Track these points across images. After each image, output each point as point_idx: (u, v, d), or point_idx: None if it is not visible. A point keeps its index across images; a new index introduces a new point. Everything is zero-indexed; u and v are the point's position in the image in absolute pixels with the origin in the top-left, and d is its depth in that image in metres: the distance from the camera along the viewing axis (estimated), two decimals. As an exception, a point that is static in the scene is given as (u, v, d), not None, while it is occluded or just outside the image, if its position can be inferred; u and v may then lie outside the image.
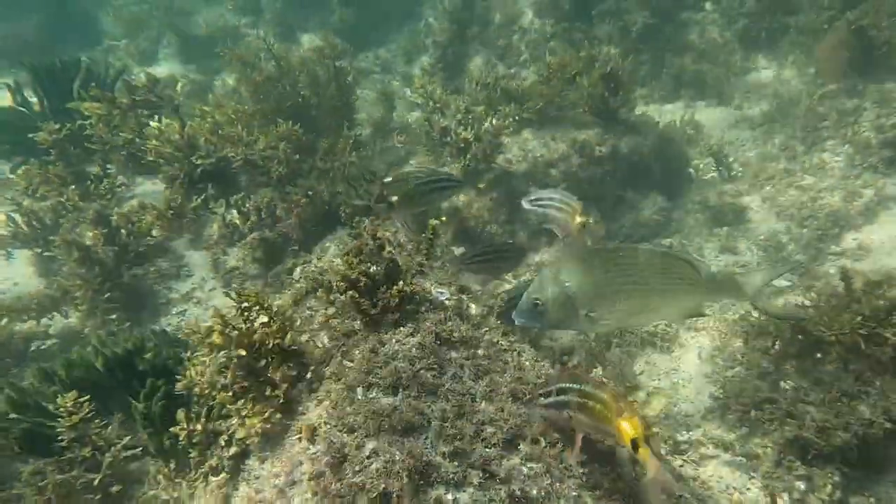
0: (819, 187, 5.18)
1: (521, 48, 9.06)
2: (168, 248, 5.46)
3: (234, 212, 5.37)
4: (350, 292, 3.29)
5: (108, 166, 6.34)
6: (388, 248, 3.51)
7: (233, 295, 3.49)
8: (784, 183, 5.55)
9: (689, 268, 2.64)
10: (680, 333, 4.41)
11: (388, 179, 4.15)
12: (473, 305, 3.67)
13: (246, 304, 3.47)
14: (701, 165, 6.72)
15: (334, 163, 6.71)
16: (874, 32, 5.08)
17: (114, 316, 4.85)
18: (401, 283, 3.25)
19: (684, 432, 3.52)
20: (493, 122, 7.17)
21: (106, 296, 4.89)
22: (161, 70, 11.05)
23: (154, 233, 5.45)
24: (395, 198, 4.03)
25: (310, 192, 5.79)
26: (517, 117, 6.99)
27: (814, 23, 6.97)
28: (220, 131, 6.24)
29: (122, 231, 5.24)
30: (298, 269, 4.38)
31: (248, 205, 5.57)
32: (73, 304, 4.87)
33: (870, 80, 5.27)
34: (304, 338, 3.63)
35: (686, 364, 4.17)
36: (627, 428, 2.01)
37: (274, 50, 7.86)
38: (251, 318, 3.44)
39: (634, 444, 2.00)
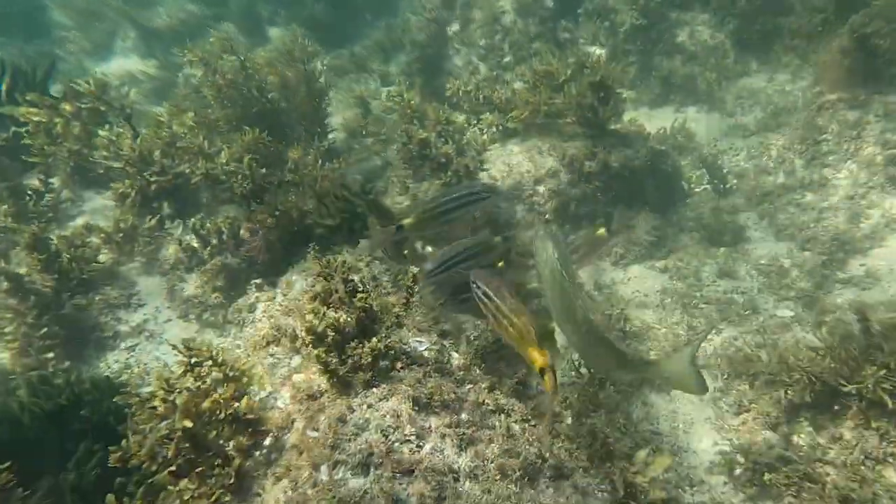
0: (821, 206, 4.96)
1: (504, 49, 8.70)
2: (117, 274, 4.98)
3: (193, 231, 4.91)
4: (317, 350, 2.91)
5: (51, 180, 5.80)
6: (360, 295, 3.14)
7: (180, 348, 3.09)
8: (783, 200, 5.32)
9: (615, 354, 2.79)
10: (679, 371, 4.13)
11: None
12: (456, 354, 3.33)
13: (196, 359, 3.07)
14: (693, 177, 6.47)
15: (304, 177, 6.30)
16: (879, 41, 4.86)
17: (51, 354, 4.38)
18: (374, 340, 2.88)
19: (689, 490, 3.23)
20: (476, 130, 6.84)
21: (42, 331, 4.41)
22: (117, 65, 10.42)
23: (101, 258, 4.97)
24: (407, 220, 3.62)
25: (277, 211, 5.35)
26: (500, 126, 6.66)
27: (806, 25, 6.76)
28: (177, 143, 5.76)
29: (64, 256, 4.74)
30: (261, 307, 3.97)
31: (208, 225, 5.11)
32: (3, 340, 4.38)
33: (873, 91, 5.06)
34: (264, 393, 3.25)
35: (686, 406, 3.89)
36: (538, 357, 2.54)
37: (239, 51, 7.34)
38: (202, 374, 3.04)
39: (542, 371, 2.52)
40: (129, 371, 4.43)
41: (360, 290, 3.24)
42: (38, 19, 11.41)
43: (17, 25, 10.87)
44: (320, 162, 6.48)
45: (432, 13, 9.39)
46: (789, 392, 3.16)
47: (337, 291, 3.18)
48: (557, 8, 8.86)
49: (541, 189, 5.59)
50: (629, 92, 8.26)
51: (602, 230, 4.36)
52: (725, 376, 3.87)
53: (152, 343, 4.62)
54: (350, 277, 3.25)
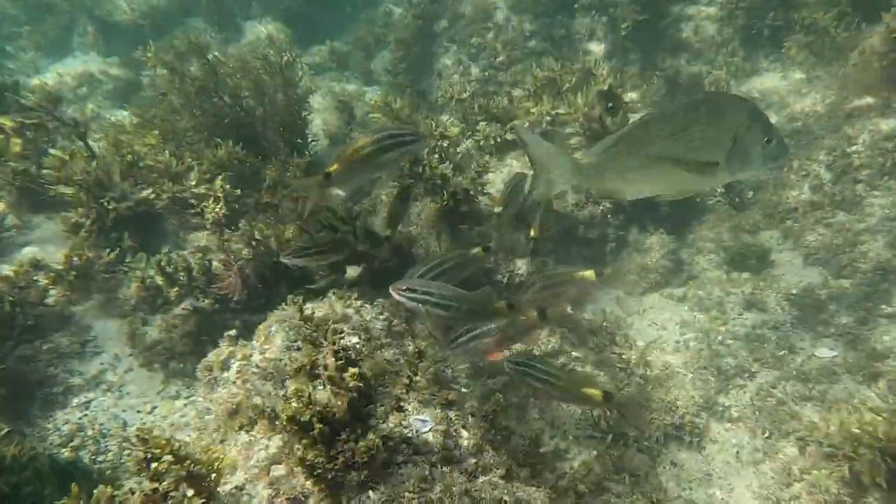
0: (857, 229, 4.56)
1: (497, 48, 8.17)
2: (69, 317, 4.40)
3: (158, 269, 4.34)
4: (300, 445, 2.41)
5: (-7, 201, 5.17)
6: (352, 371, 2.64)
7: (134, 441, 2.57)
8: (810, 218, 4.91)
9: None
10: (711, 425, 3.71)
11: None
12: (465, 432, 2.85)
13: (154, 453, 2.56)
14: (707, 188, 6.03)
15: (284, 198, 5.74)
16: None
17: (-8, 419, 3.80)
18: (371, 436, 2.38)
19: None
20: (472, 143, 6.32)
21: (-20, 391, 3.84)
22: (75, 64, 9.63)
23: (50, 299, 4.38)
24: (333, 166, 3.31)
25: (254, 241, 4.79)
26: (499, 138, 6.17)
27: (821, 19, 6.34)
28: (140, 164, 5.16)
29: (6, 300, 4.14)
30: (235, 367, 3.44)
31: (175, 259, 4.54)
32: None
33: (909, 99, 4.67)
34: (236, 482, 2.74)
35: (722, 467, 3.47)
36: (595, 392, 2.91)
37: (209, 51, 6.66)
38: (160, 472, 2.53)
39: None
40: (81, 434, 3.88)
41: (353, 358, 2.75)
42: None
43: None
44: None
45: (418, 8, 8.82)
46: (855, 467, 2.75)
47: (326, 367, 2.67)
48: (553, 2, 8.35)
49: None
50: (632, 93, 7.81)
51: (590, 273, 3.73)
52: (766, 434, 3.46)
53: (110, 397, 4.07)
54: (340, 346, 2.74)
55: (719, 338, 4.45)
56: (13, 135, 4.96)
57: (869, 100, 4.88)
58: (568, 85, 5.87)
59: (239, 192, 5.60)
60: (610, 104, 5.51)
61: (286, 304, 4.33)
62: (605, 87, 5.43)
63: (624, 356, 4.14)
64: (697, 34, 7.21)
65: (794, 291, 4.47)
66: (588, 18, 8.12)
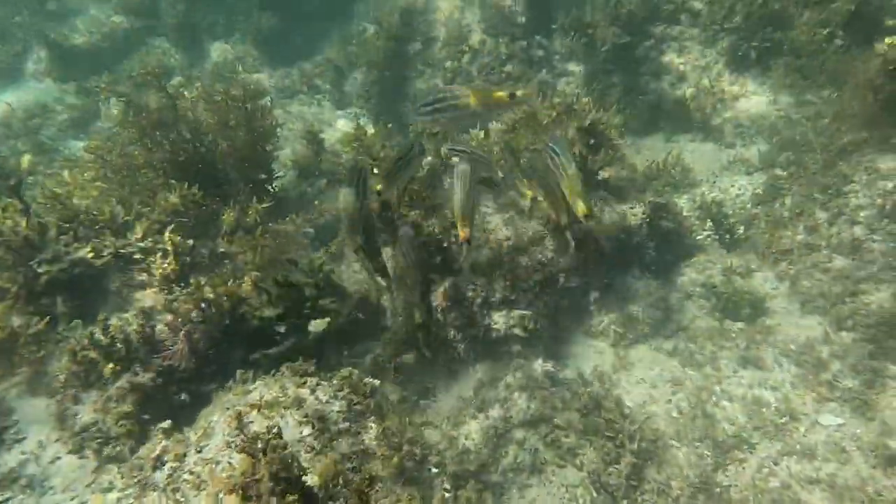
0: (857, 277, 4.28)
1: (472, 72, 7.85)
2: (-9, 397, 3.97)
3: (90, 341, 3.93)
4: None
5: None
6: (291, 499, 2.27)
7: None
8: (806, 262, 4.63)
9: None
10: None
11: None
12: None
13: None
14: (693, 218, 5.75)
15: (242, 246, 5.35)
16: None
17: None
18: None
19: None
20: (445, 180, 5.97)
21: None
22: (28, 93, 9.16)
23: (-30, 379, 3.95)
24: (378, 186, 3.95)
25: (204, 304, 4.40)
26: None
27: (810, 42, 6.12)
28: (80, 216, 4.75)
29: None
30: (167, 469, 3.04)
31: (113, 325, 4.13)
32: None
33: (907, 134, 4.42)
34: None
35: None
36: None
37: (168, 86, 6.26)
38: None
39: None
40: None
41: (299, 468, 2.38)
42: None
43: None
44: (260, 228, 5.55)
45: (390, 31, 8.48)
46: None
47: (260, 496, 2.29)
48: (530, 24, 8.08)
49: (524, 262, 4.78)
50: (615, 118, 7.55)
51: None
52: (770, 525, 3.14)
53: (30, 497, 3.63)
54: (282, 462, 2.37)
55: (714, 398, 4.13)
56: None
57: (864, 135, 4.62)
58: (548, 119, 5.56)
59: (192, 242, 5.22)
60: (592, 141, 5.20)
61: (235, 383, 3.96)
62: (587, 124, 5.12)
63: (615, 424, 3.80)
64: (681, 56, 6.96)
65: (792, 346, 4.17)
66: (567, 39, 7.86)
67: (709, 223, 5.44)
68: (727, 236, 5.23)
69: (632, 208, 5.11)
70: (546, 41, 8.24)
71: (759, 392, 4.05)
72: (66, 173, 5.01)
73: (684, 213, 5.90)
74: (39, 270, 4.29)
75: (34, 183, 7.06)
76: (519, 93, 3.65)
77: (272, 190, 6.62)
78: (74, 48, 9.67)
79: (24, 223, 4.32)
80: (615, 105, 5.04)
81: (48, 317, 4.22)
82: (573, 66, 8.15)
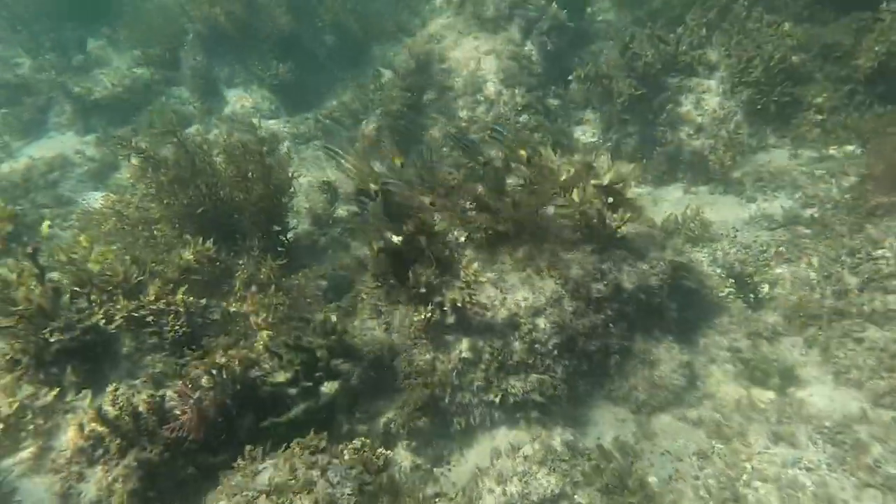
0: (893, 350, 4.12)
1: (487, 121, 7.91)
2: (-5, 472, 3.92)
3: (98, 416, 3.88)
4: None
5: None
6: None
7: None
8: (836, 330, 4.47)
9: None
10: None
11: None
12: None
13: None
14: (714, 274, 5.62)
15: (254, 306, 5.33)
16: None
17: None
18: None
19: None
20: (458, 234, 5.96)
21: None
22: (50, 145, 9.42)
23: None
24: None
25: (214, 370, 4.36)
26: (490, 231, 5.80)
27: (832, 97, 6.07)
28: (94, 280, 4.77)
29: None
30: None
31: (121, 397, 4.09)
32: None
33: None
34: None
35: None
36: None
37: (188, 143, 6.39)
38: None
39: None
40: None
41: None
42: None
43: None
44: (274, 285, 5.55)
45: (406, 80, 8.64)
46: None
47: None
48: (546, 74, 8.18)
49: (541, 323, 4.69)
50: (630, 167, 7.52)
51: None
52: None
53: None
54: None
55: (745, 477, 3.94)
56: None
57: (894, 199, 4.52)
58: (566, 176, 5.54)
59: (204, 302, 5.22)
60: (611, 199, 5.16)
61: (243, 461, 3.86)
62: (605, 182, 5.09)
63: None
64: (699, 108, 6.95)
65: (827, 424, 3.99)
66: (583, 89, 7.92)
67: (730, 281, 5.31)
68: (751, 296, 5.10)
69: (652, 267, 5.02)
70: (562, 90, 8.32)
71: (794, 473, 3.86)
72: (82, 238, 5.04)
73: (704, 268, 5.79)
74: (51, 339, 4.28)
75: (50, 236, 7.19)
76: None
77: (285, 240, 6.66)
78: (97, 101, 9.97)
79: (38, 291, 4.34)
80: (635, 165, 4.97)
81: (57, 388, 4.20)
82: (589, 115, 8.19)
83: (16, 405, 3.93)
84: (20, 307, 4.25)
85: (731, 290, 5.32)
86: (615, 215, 5.12)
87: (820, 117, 5.99)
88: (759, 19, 6.66)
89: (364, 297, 5.88)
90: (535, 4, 8.41)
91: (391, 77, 9.91)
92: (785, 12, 6.70)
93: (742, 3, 7.07)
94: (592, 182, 5.24)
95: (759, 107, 6.50)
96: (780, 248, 5.34)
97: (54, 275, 4.93)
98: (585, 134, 8.14)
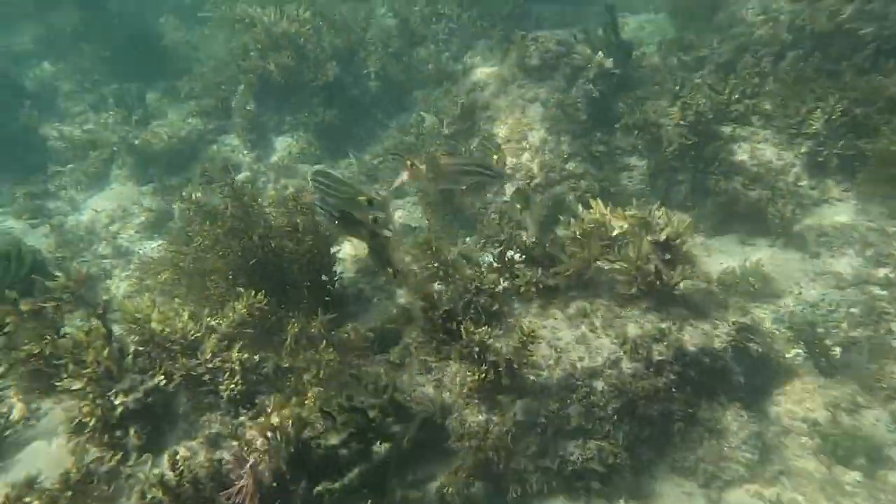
0: None
1: (533, 169, 7.95)
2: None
3: (161, 484, 3.93)
4: None
5: (4, 386, 4.97)
6: None
7: None
8: (925, 403, 4.20)
9: None
10: None
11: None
12: None
13: None
14: (779, 334, 5.38)
15: (306, 363, 5.39)
16: None
17: None
18: None
19: None
20: (508, 285, 5.92)
21: None
22: (111, 196, 9.93)
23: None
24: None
25: (269, 432, 4.38)
26: (541, 285, 5.75)
27: (899, 153, 5.85)
28: (156, 339, 4.93)
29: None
30: None
31: (182, 462, 4.14)
32: None
33: None
34: None
35: None
36: None
37: (243, 197, 6.62)
38: None
39: None
40: None
41: None
42: (33, 143, 11.14)
43: (11, 153, 10.56)
44: (325, 338, 5.61)
45: (451, 128, 8.81)
46: None
47: None
48: (591, 119, 8.20)
49: (599, 385, 4.57)
50: (681, 214, 7.38)
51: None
52: None
53: None
54: None
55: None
56: (29, 319, 4.82)
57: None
58: (619, 231, 5.48)
59: (257, 359, 5.30)
60: (667, 256, 5.05)
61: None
62: (662, 238, 5.00)
63: None
64: (754, 157, 6.82)
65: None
66: (630, 136, 7.89)
67: (799, 342, 5.08)
68: (822, 360, 4.85)
69: (714, 328, 4.85)
70: (607, 136, 8.31)
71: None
72: (145, 298, 5.23)
73: (767, 325, 5.56)
74: (116, 402, 4.41)
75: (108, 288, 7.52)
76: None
77: (332, 289, 6.76)
78: (154, 152, 10.50)
79: (105, 352, 4.50)
80: (691, 221, 4.87)
81: (121, 452, 4.29)
82: (635, 161, 8.13)
83: (84, 471, 4.02)
84: (89, 369, 4.41)
85: (799, 351, 5.08)
86: (673, 272, 5.00)
87: (889, 171, 5.77)
88: (818, 68, 6.56)
89: (413, 350, 5.88)
90: (581, 53, 8.50)
91: (433, 121, 10.12)
92: (844, 63, 6.58)
93: (797, 52, 6.99)
94: (648, 238, 5.16)
95: (820, 159, 6.32)
96: (853, 310, 5.08)
97: (116, 328, 5.12)
98: (632, 181, 8.07)
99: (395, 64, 12.01)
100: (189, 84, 12.46)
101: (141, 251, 8.24)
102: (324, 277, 6.84)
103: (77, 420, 4.34)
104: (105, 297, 5.29)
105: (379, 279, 7.79)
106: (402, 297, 7.48)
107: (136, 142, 10.12)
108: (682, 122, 6.90)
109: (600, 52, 8.51)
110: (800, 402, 4.59)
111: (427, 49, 12.65)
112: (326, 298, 6.59)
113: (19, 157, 10.60)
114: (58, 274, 4.93)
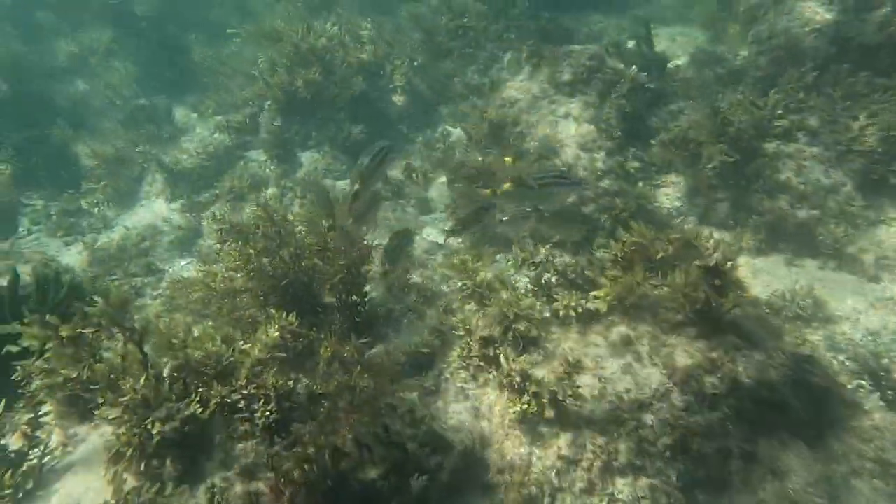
0: None
1: (567, 187, 7.77)
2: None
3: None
4: None
5: (43, 412, 4.93)
6: None
7: None
8: None
9: None
10: None
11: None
12: None
13: None
14: (836, 363, 5.12)
15: (338, 388, 5.28)
16: None
17: None
18: None
19: None
20: (545, 310, 5.75)
21: None
22: (142, 213, 10.01)
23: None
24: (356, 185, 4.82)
25: (305, 463, 4.27)
26: (580, 309, 5.57)
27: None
28: (190, 364, 4.86)
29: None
30: None
31: (218, 495, 4.04)
32: None
33: None
34: None
35: None
36: None
37: (276, 216, 6.59)
38: None
39: None
40: None
41: None
42: (67, 157, 11.29)
43: (46, 170, 10.74)
44: (358, 362, 5.49)
45: (479, 145, 8.70)
46: None
47: None
48: (625, 134, 8.02)
49: (648, 419, 4.36)
50: (723, 232, 7.16)
51: None
52: None
53: None
54: None
55: None
56: (68, 344, 4.79)
57: None
58: (663, 254, 5.28)
59: (291, 385, 5.21)
60: (717, 281, 4.84)
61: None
62: (712, 264, 4.79)
63: None
64: (800, 175, 6.57)
65: None
66: (667, 152, 7.69)
67: (862, 374, 4.82)
68: (889, 393, 4.58)
69: (770, 358, 4.62)
70: (641, 152, 8.13)
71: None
72: (179, 321, 5.17)
73: (822, 352, 5.30)
74: (153, 431, 4.33)
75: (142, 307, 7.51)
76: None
77: (363, 310, 6.65)
78: (184, 170, 10.56)
79: (143, 380, 4.44)
80: (742, 238, 4.66)
81: (158, 483, 4.21)
82: (672, 178, 7.93)
83: (123, 503, 3.94)
84: (126, 397, 4.35)
85: (861, 382, 4.82)
86: (724, 299, 4.79)
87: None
88: (868, 83, 6.31)
89: (448, 376, 5.74)
90: (613, 67, 8.35)
91: (459, 136, 10.00)
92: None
93: (843, 66, 6.75)
94: (697, 263, 4.95)
95: (874, 177, 6.06)
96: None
97: (148, 349, 5.07)
98: (669, 198, 7.86)
99: (422, 78, 11.98)
100: (216, 99, 12.58)
101: (171, 269, 8.26)
102: (354, 298, 6.76)
103: (116, 449, 4.27)
104: (140, 321, 5.24)
105: (409, 298, 7.68)
106: (433, 317, 7.36)
107: (166, 158, 10.19)
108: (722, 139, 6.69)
109: (634, 67, 8.35)
110: (868, 440, 4.33)
111: (453, 62, 12.61)
112: (357, 319, 6.50)
113: (53, 174, 10.77)
114: (96, 298, 4.88)
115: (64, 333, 4.83)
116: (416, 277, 8.15)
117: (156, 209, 9.84)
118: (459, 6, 13.15)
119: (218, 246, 6.86)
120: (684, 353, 4.73)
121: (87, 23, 14.60)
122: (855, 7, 7.53)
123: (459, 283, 6.09)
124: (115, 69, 13.42)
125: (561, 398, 4.49)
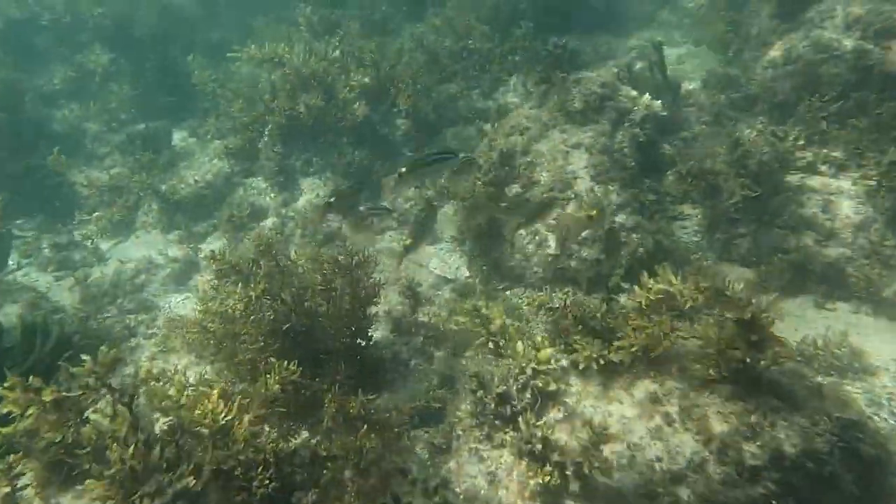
0: None
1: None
2: None
3: None
4: None
5: (19, 481, 4.55)
6: None
7: None
8: None
9: None
10: None
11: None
12: None
13: None
14: (880, 420, 4.76)
15: (344, 451, 4.91)
16: None
17: None
18: None
19: None
20: (564, 361, 5.40)
21: None
22: (137, 246, 9.65)
23: None
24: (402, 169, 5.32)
25: (311, 545, 3.89)
26: (602, 360, 5.22)
27: None
28: (183, 426, 4.50)
29: None
30: None
31: (211, 584, 3.65)
32: None
33: None
34: None
35: None
36: None
37: (279, 256, 6.28)
38: None
39: None
40: None
41: None
42: (61, 185, 10.96)
43: (39, 198, 10.40)
44: (365, 423, 5.13)
45: (488, 175, 8.38)
46: None
47: None
48: (639, 165, 7.71)
49: (683, 494, 3.99)
50: (743, 268, 6.83)
51: None
52: None
53: None
54: None
55: None
56: (51, 409, 4.42)
57: None
58: (691, 303, 4.93)
59: (293, 447, 4.84)
60: (754, 337, 4.48)
61: None
62: (748, 317, 4.44)
63: None
64: (827, 211, 6.24)
65: None
66: (683, 183, 7.39)
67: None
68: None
69: (814, 424, 4.25)
70: (655, 182, 7.82)
71: None
72: (172, 389, 4.80)
73: (865, 410, 4.93)
74: (142, 507, 3.96)
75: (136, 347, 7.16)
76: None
77: (368, 354, 6.31)
78: (181, 199, 10.23)
79: (131, 450, 4.07)
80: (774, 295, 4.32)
81: (146, 566, 3.83)
82: (688, 209, 7.61)
83: None
84: (112, 470, 3.98)
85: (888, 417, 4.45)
86: (762, 356, 4.42)
87: None
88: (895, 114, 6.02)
89: (461, 432, 5.37)
90: (626, 95, 8.07)
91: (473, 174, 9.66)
92: (928, 107, 6.04)
93: (863, 94, 6.47)
94: (730, 316, 4.60)
95: (907, 213, 5.77)
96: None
97: (140, 400, 4.71)
98: (686, 231, 7.53)
99: (425, 101, 11.71)
100: (216, 124, 12.31)
101: (167, 306, 7.90)
102: (359, 342, 6.41)
103: (98, 533, 3.90)
104: (131, 380, 4.88)
105: (416, 340, 7.32)
106: (441, 361, 7.00)
107: (163, 187, 9.88)
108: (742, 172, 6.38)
109: (647, 94, 8.06)
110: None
111: (457, 85, 12.36)
112: (361, 366, 6.15)
113: (47, 202, 10.44)
114: (84, 357, 4.52)
115: (47, 399, 4.47)
116: (422, 316, 7.80)
117: (152, 240, 9.50)
118: (463, 28, 12.94)
119: (216, 285, 6.54)
120: (718, 415, 4.36)
121: (84, 45, 14.37)
122: (875, 34, 7.27)
123: (473, 330, 5.74)
124: (113, 93, 13.15)
125: (587, 471, 4.12)
